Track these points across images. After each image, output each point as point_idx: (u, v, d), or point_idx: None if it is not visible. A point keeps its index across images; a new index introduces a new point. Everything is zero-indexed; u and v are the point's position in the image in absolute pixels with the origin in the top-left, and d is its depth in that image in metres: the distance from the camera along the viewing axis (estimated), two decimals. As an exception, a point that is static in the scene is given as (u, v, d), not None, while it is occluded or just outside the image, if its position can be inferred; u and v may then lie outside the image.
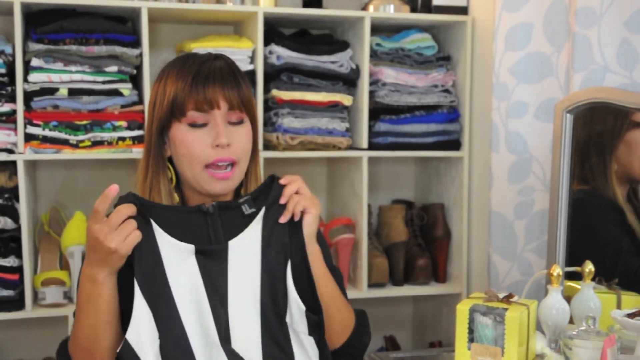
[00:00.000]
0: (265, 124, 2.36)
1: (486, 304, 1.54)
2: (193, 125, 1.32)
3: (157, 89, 1.37)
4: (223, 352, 1.25)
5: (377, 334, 2.79)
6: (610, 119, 1.98)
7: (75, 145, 2.15)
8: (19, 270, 2.16)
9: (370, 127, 2.41)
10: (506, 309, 1.51)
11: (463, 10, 2.48)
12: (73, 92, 2.15)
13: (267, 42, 2.33)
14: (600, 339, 1.48)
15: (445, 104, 2.48)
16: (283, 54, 2.32)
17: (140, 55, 2.21)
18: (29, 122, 2.12)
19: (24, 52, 2.12)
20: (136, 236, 1.22)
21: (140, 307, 1.24)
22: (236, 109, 1.33)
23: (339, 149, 2.38)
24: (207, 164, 1.33)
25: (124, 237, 1.21)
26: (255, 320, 1.28)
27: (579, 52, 1.99)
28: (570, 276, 1.91)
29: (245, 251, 1.30)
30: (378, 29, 2.52)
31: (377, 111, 2.42)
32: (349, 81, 2.40)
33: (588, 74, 1.98)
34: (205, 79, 1.32)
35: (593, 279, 1.74)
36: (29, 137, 2.13)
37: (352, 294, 2.45)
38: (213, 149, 1.32)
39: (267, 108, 2.35)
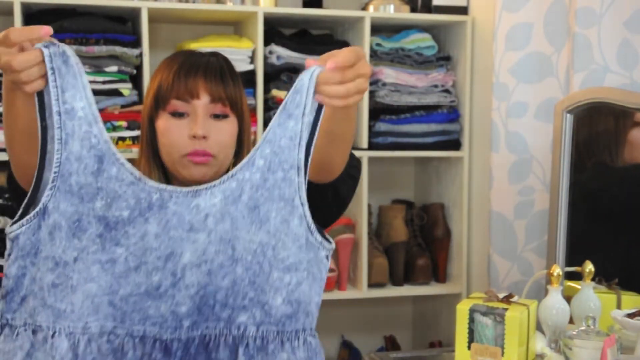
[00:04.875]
0: (265, 124, 2.36)
1: (486, 304, 1.55)
2: (174, 114, 1.27)
3: (150, 81, 1.37)
4: None
5: (377, 334, 2.79)
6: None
7: (75, 145, 2.15)
8: (19, 270, 2.16)
9: (370, 127, 2.41)
10: (506, 309, 1.52)
11: (463, 10, 2.48)
12: (73, 92, 2.15)
13: (267, 42, 2.33)
14: (600, 339, 1.48)
15: (445, 104, 2.48)
16: (283, 54, 2.32)
17: (140, 55, 2.21)
18: (29, 122, 2.12)
19: (24, 52, 2.12)
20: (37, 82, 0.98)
21: None
22: (218, 102, 1.28)
23: (339, 149, 2.38)
24: (184, 154, 1.27)
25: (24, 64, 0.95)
26: None
27: (579, 52, 1.99)
28: (570, 276, 1.91)
29: None
30: (378, 29, 2.52)
31: (377, 111, 2.42)
32: (349, 81, 2.39)
33: (588, 74, 1.98)
34: (188, 69, 1.29)
35: (593, 279, 1.74)
36: (29, 137, 2.13)
37: (352, 294, 2.46)
38: (190, 139, 1.27)
39: (267, 108, 2.35)
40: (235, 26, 2.57)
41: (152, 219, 1.01)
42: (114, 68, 2.17)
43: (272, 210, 1.02)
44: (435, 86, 2.47)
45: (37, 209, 1.00)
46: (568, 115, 2.01)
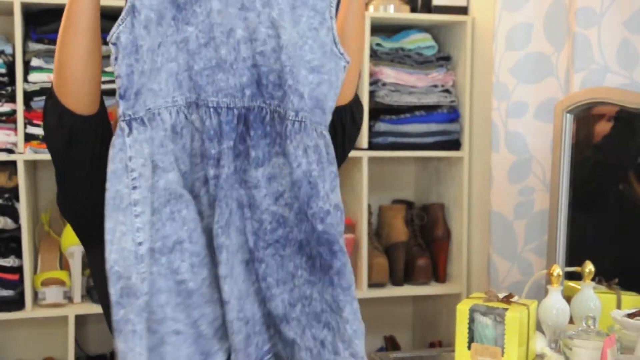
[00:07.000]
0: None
1: (486, 304, 1.55)
2: None
3: None
4: None
5: (377, 334, 2.79)
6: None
7: (75, 145, 2.15)
8: (19, 270, 2.16)
9: (370, 127, 2.41)
10: (506, 309, 1.52)
11: (463, 10, 2.48)
12: (73, 92, 2.15)
13: (267, 42, 2.33)
14: (600, 339, 1.48)
15: (445, 104, 2.48)
16: (283, 54, 2.32)
17: (140, 55, 2.21)
18: (29, 122, 2.12)
19: (24, 52, 2.12)
20: None
21: None
22: None
23: (339, 149, 2.38)
24: None
25: None
26: None
27: (579, 52, 1.99)
28: (570, 276, 1.91)
29: None
30: (378, 29, 2.52)
31: (377, 111, 2.42)
32: (349, 81, 2.39)
33: (588, 74, 1.98)
34: None
35: (593, 279, 1.74)
36: (29, 137, 2.13)
37: (352, 294, 2.46)
38: None
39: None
40: (235, 26, 2.57)
41: None
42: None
43: (303, 15, 1.12)
44: (435, 86, 2.47)
45: (126, 7, 1.07)
46: (568, 115, 2.01)
